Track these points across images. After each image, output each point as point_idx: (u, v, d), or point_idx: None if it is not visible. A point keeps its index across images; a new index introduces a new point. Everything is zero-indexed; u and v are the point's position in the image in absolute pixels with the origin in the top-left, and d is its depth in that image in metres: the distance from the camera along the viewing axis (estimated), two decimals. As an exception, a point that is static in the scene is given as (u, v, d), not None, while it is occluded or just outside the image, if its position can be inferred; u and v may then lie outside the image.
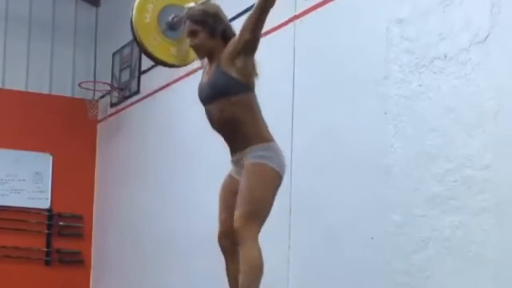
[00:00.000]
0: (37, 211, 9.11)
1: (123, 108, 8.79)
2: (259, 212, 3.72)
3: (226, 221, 3.81)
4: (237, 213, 3.67)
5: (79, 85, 9.08)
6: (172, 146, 7.49)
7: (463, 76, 4.15)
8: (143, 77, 8.32)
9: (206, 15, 3.93)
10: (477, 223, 3.98)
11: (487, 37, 4.03)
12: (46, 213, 9.14)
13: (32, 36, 9.34)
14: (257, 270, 3.66)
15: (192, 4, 4.11)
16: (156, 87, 7.96)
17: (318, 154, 5.27)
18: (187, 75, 7.26)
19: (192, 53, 4.22)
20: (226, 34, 3.93)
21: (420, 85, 4.45)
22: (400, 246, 4.47)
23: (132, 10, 4.32)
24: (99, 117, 9.36)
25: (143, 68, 8.31)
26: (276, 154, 3.78)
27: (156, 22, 4.35)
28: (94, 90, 9.14)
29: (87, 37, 9.58)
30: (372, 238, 4.70)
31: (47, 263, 9.08)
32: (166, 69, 7.72)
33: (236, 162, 3.87)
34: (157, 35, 4.34)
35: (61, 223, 9.17)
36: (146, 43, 4.31)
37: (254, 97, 3.89)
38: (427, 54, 4.40)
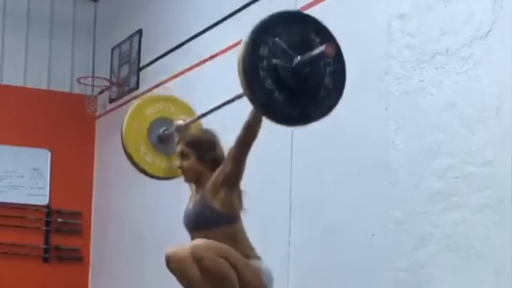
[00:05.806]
0: (36, 208, 9.06)
1: (122, 104, 8.74)
2: None
3: None
4: None
5: (77, 80, 9.03)
6: (171, 142, 7.46)
7: (465, 72, 4.13)
8: (142, 72, 8.29)
9: (198, 140, 3.93)
10: (478, 220, 3.96)
11: (489, 32, 4.00)
12: (45, 210, 9.10)
13: (30, 31, 9.28)
14: None
15: (180, 122, 4.16)
16: (155, 83, 7.92)
17: (319, 150, 5.24)
18: (186, 71, 7.24)
19: None
20: (216, 161, 3.89)
21: (421, 81, 4.42)
22: (401, 242, 4.45)
23: (123, 122, 4.40)
24: (98, 112, 9.33)
25: (142, 63, 8.27)
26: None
27: (145, 135, 4.39)
28: (93, 86, 9.08)
29: (86, 33, 9.53)
30: (373, 235, 4.67)
31: (46, 260, 9.04)
32: (166, 65, 7.79)
33: None
34: (146, 148, 4.37)
35: (59, 219, 9.13)
36: (134, 154, 4.35)
37: (240, 227, 3.84)
38: (429, 50, 4.37)
